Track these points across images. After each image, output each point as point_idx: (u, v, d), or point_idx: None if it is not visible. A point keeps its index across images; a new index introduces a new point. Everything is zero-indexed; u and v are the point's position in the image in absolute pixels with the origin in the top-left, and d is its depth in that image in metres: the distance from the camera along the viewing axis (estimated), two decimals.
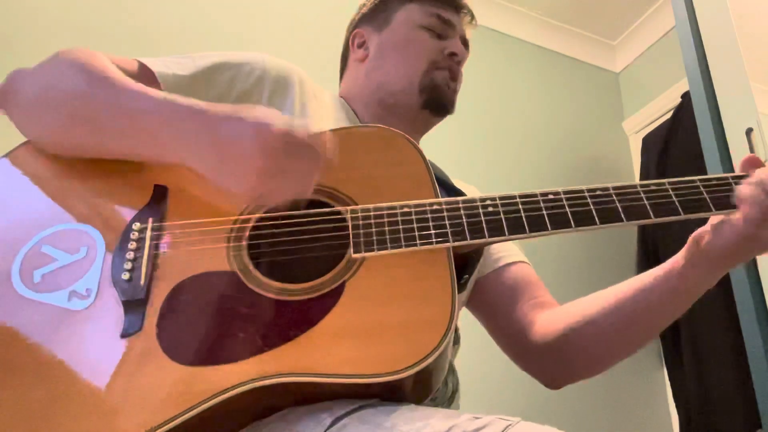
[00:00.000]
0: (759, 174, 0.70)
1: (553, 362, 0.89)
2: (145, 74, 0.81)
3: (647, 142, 2.60)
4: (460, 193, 0.92)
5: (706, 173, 1.61)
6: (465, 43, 1.03)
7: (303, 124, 0.64)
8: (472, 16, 1.05)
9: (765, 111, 1.55)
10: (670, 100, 2.60)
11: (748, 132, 1.53)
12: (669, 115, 2.52)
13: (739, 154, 1.54)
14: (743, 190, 0.69)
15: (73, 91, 0.71)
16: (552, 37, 2.86)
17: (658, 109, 2.71)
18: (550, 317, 0.89)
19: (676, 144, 2.36)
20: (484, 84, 2.57)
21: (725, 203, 0.70)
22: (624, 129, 2.92)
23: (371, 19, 1.04)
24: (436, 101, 0.97)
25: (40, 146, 0.74)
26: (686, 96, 2.35)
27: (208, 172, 0.65)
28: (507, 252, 0.98)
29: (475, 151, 2.39)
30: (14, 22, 1.73)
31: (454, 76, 0.99)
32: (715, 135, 1.61)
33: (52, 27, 1.78)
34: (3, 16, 1.72)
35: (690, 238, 0.75)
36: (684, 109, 2.35)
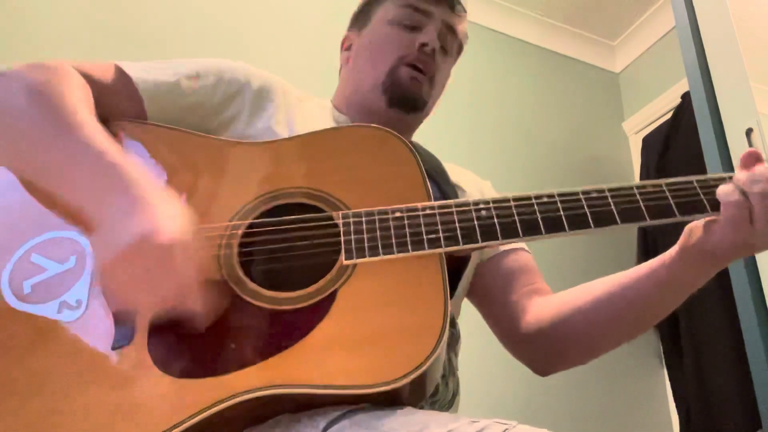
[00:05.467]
0: (740, 176, 0.68)
1: (543, 349, 0.89)
2: (122, 79, 0.80)
3: (647, 142, 2.60)
4: (454, 192, 0.92)
5: (706, 174, 1.60)
6: (450, 29, 0.99)
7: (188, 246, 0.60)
8: (454, 5, 0.99)
9: (765, 111, 1.55)
10: (670, 100, 2.60)
11: (748, 132, 1.52)
12: (669, 115, 2.52)
13: (739, 154, 1.54)
14: (719, 189, 0.68)
15: (18, 121, 0.70)
16: (552, 37, 2.86)
17: (658, 109, 2.71)
18: (542, 304, 0.89)
19: (676, 144, 2.36)
20: (484, 84, 2.57)
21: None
22: (624, 129, 2.91)
23: (356, 21, 1.04)
24: (400, 98, 0.93)
25: None
26: (686, 96, 2.34)
27: (95, 224, 0.62)
28: None
29: (474, 151, 2.39)
30: (15, 22, 1.73)
31: (426, 68, 0.95)
32: (715, 135, 1.60)
33: (52, 27, 1.77)
34: (5, 15, 1.72)
35: (684, 231, 0.74)
36: (684, 109, 2.35)
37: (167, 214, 0.60)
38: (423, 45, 0.94)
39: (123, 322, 0.62)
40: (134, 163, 0.64)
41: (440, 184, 0.91)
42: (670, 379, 2.28)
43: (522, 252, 0.98)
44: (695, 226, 0.73)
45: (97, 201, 0.62)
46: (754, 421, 1.70)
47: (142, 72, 0.81)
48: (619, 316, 0.82)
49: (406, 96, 0.94)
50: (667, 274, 0.77)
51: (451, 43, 0.99)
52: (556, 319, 0.86)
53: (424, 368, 0.58)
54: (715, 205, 0.69)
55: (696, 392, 2.04)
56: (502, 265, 0.96)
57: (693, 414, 2.05)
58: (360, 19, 1.03)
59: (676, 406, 2.22)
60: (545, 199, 0.70)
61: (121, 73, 0.80)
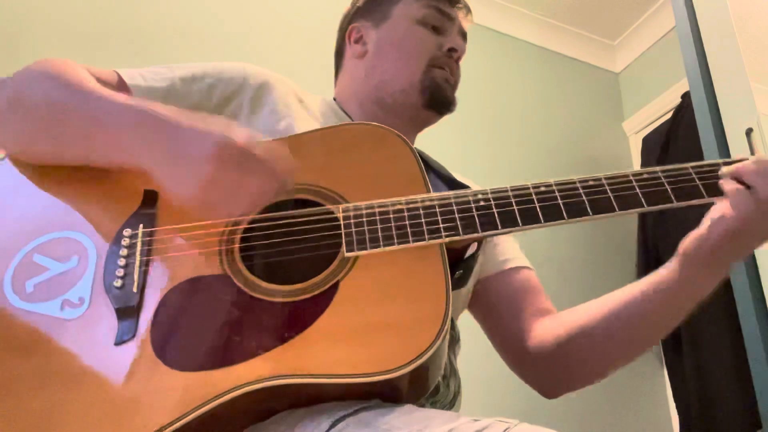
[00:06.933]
0: (740, 167, 0.68)
1: (549, 371, 0.88)
2: (123, 86, 0.81)
3: (647, 142, 2.60)
4: (461, 185, 0.92)
5: None
6: (463, 36, 1.02)
7: (263, 142, 0.64)
8: (468, 10, 1.03)
9: (765, 111, 1.55)
10: (670, 100, 2.60)
11: (748, 132, 1.53)
12: (669, 115, 2.52)
13: (738, 154, 1.54)
14: (724, 185, 0.68)
15: (40, 98, 0.71)
16: (552, 37, 2.86)
17: (658, 109, 2.71)
18: (547, 326, 0.89)
19: (676, 144, 2.36)
20: (484, 84, 2.57)
21: (717, 189, 0.69)
22: (624, 129, 2.91)
23: (368, 13, 1.02)
24: (439, 100, 0.96)
25: (10, 153, 0.75)
26: (686, 96, 2.34)
27: (159, 175, 0.65)
28: (512, 255, 0.98)
29: (474, 151, 2.39)
30: (18, 23, 1.73)
31: (453, 73, 0.98)
32: (715, 135, 1.60)
33: (54, 28, 1.77)
34: (7, 16, 1.72)
35: (679, 246, 0.73)
36: (684, 109, 2.35)
37: (215, 126, 0.63)
38: (451, 50, 0.96)
39: (126, 317, 0.63)
40: (158, 105, 0.67)
41: (448, 182, 0.92)
42: (670, 379, 2.28)
43: (526, 270, 0.97)
44: (691, 234, 0.72)
45: (139, 143, 0.65)
46: (754, 421, 1.70)
47: (138, 78, 0.82)
48: (626, 333, 0.81)
49: (444, 98, 0.96)
50: (673, 284, 0.75)
51: (463, 50, 1.00)
52: (561, 340, 0.85)
53: (426, 357, 0.58)
54: (711, 191, 0.69)
55: (696, 392, 2.04)
56: (509, 283, 0.95)
57: (693, 414, 2.05)
58: (374, 11, 1.01)
59: (676, 406, 2.22)
60: (543, 189, 0.71)
61: (119, 80, 0.82)
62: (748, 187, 0.67)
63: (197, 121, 0.64)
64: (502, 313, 0.94)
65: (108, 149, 0.69)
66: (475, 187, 1.01)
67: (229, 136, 0.62)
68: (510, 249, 0.99)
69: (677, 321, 0.80)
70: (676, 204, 0.69)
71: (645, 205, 0.69)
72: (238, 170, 0.62)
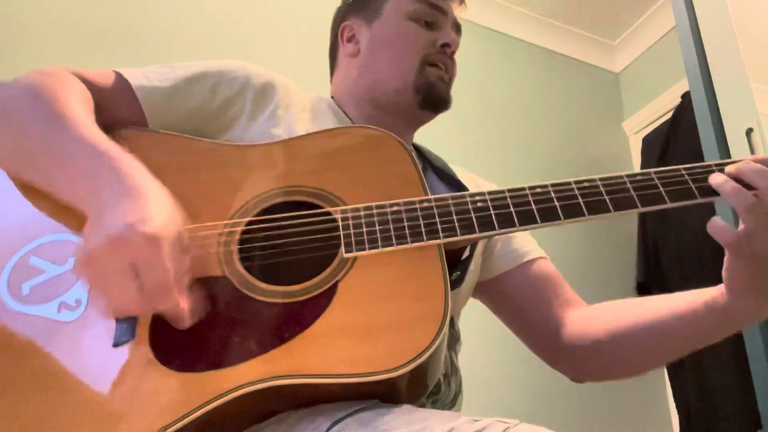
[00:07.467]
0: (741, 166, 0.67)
1: (585, 363, 0.89)
2: (122, 86, 0.80)
3: (647, 142, 2.60)
4: (461, 184, 0.92)
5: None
6: (457, 28, 1.00)
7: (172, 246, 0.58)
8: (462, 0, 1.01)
9: (765, 111, 1.55)
10: (670, 100, 2.60)
11: (748, 132, 1.53)
12: (669, 115, 2.52)
13: (739, 154, 1.54)
14: (721, 186, 0.67)
15: (17, 120, 0.70)
16: (552, 37, 2.86)
17: (658, 109, 2.71)
18: (584, 320, 0.89)
19: (677, 144, 2.36)
20: (484, 84, 2.57)
21: (710, 190, 0.70)
22: (624, 129, 2.92)
23: (359, 10, 1.00)
24: (433, 100, 0.94)
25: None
26: (686, 96, 2.34)
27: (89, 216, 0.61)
28: (529, 247, 0.98)
29: (474, 151, 2.39)
30: (17, 23, 1.73)
31: (447, 69, 0.96)
32: (715, 135, 1.61)
33: (53, 28, 1.77)
34: (6, 16, 1.72)
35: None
36: (684, 109, 2.35)
37: (158, 206, 0.59)
38: (445, 45, 0.95)
39: (125, 319, 0.62)
40: (128, 157, 0.64)
41: (449, 181, 0.92)
42: (670, 380, 2.28)
43: (546, 261, 0.98)
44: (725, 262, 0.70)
45: (90, 193, 0.62)
46: (754, 421, 1.70)
47: (142, 78, 0.81)
48: (671, 343, 0.80)
49: (439, 97, 0.95)
50: (719, 309, 0.73)
51: (457, 45, 0.99)
52: (604, 338, 0.84)
53: (425, 356, 0.58)
54: (704, 193, 0.70)
55: (696, 392, 2.04)
56: (531, 275, 0.95)
57: (693, 414, 2.05)
58: (366, 8, 1.00)
59: (676, 407, 2.22)
60: (539, 190, 0.72)
61: (120, 80, 0.81)
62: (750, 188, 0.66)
63: (143, 191, 0.59)
64: (527, 305, 0.94)
65: (56, 182, 0.67)
66: (476, 177, 1.02)
67: (147, 222, 0.56)
68: (526, 242, 0.99)
69: (727, 335, 0.77)
70: (669, 204, 0.70)
71: (639, 206, 0.70)
72: (124, 265, 0.55)
